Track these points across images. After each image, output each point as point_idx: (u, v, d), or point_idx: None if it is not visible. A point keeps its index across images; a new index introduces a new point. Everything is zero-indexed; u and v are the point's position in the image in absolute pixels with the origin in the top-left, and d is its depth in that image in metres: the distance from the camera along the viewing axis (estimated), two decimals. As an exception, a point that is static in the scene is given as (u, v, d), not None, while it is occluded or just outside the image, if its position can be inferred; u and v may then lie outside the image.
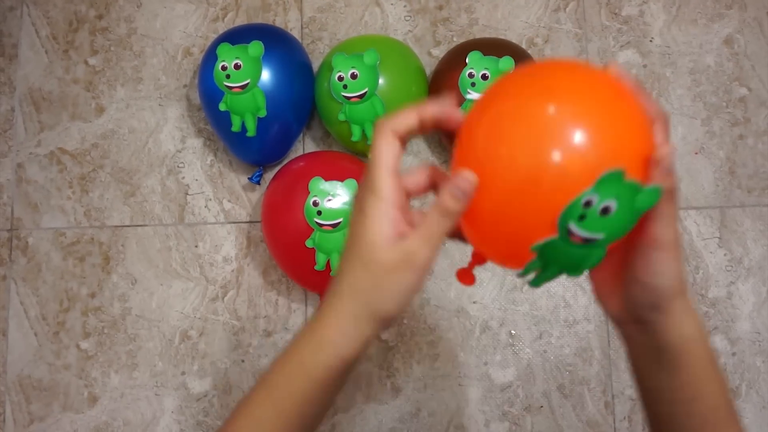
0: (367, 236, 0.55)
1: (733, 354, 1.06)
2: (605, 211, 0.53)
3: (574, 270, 0.57)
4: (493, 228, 0.56)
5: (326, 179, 1.01)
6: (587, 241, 0.55)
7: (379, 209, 0.55)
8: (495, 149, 0.54)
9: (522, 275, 0.57)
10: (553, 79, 0.55)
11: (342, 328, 0.56)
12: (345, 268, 0.57)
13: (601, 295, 0.62)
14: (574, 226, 0.54)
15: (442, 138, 1.10)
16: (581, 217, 0.53)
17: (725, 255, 1.09)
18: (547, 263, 0.57)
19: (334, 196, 1.00)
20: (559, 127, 0.52)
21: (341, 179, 1.01)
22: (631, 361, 0.64)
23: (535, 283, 0.58)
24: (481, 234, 0.58)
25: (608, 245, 0.55)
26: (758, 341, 1.07)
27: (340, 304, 0.56)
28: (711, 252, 1.09)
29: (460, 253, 1.11)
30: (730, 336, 1.07)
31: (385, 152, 0.56)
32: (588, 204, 0.53)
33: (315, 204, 1.00)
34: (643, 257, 0.57)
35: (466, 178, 0.53)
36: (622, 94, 0.55)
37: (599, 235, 0.55)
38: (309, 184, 1.00)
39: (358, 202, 0.56)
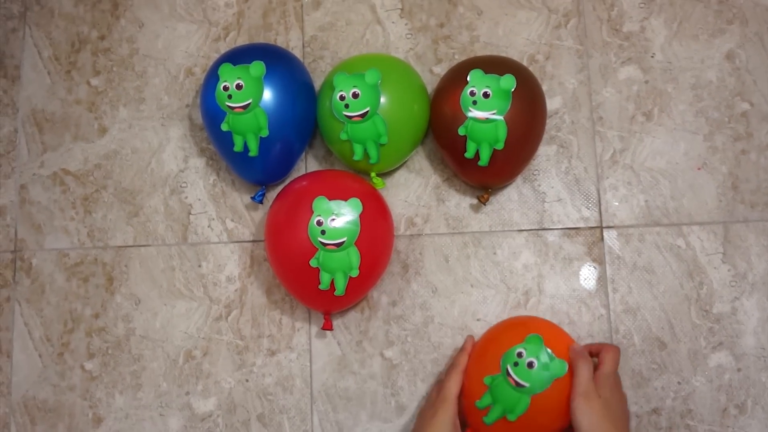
0: (443, 428, 0.94)
1: (738, 370, 1.06)
2: (530, 365, 0.92)
3: (511, 412, 0.92)
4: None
5: (330, 198, 1.01)
6: (518, 385, 0.91)
7: (449, 416, 0.95)
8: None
9: (481, 407, 0.94)
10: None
11: None
12: None
13: None
14: (510, 369, 0.92)
15: (444, 157, 1.10)
16: (515, 364, 0.92)
17: (729, 270, 1.09)
18: (494, 400, 0.93)
19: (338, 215, 1.00)
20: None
21: (345, 198, 1.01)
22: None
23: (488, 420, 0.93)
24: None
25: (532, 395, 0.91)
26: (763, 357, 1.06)
27: None
28: (715, 267, 1.09)
29: (464, 271, 1.11)
30: (735, 352, 1.07)
31: (457, 384, 0.97)
32: (520, 355, 0.93)
33: (319, 223, 1.00)
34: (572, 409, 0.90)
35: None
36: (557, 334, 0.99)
37: (526, 383, 0.91)
38: (313, 204, 1.00)
39: (431, 407, 0.97)
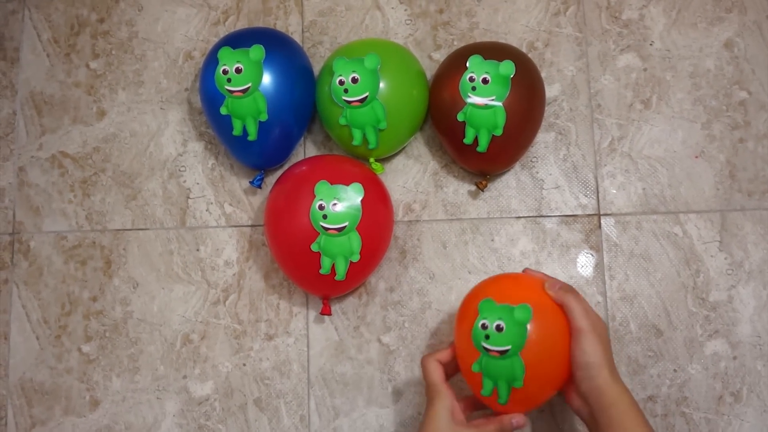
0: (437, 421, 0.89)
1: (734, 358, 1.07)
2: (498, 328, 0.87)
3: (514, 380, 0.87)
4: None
5: (332, 183, 1.01)
6: (502, 353, 0.87)
7: (443, 405, 0.90)
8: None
9: (486, 395, 0.89)
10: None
11: None
12: None
13: (570, 404, 0.91)
14: (485, 344, 0.88)
15: (443, 142, 1.10)
16: (486, 337, 0.87)
17: (726, 259, 1.09)
18: (493, 378, 0.88)
19: (340, 199, 1.00)
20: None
21: (347, 183, 1.01)
22: None
23: (502, 401, 0.89)
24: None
25: (519, 353, 0.86)
26: (759, 345, 1.07)
27: None
28: (712, 256, 1.09)
29: (462, 258, 1.11)
30: (731, 340, 1.07)
31: (434, 370, 0.93)
32: (484, 326, 0.88)
33: (321, 207, 1.00)
34: (573, 344, 0.87)
35: (519, 420, 0.89)
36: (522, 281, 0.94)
37: (507, 347, 0.86)
38: (315, 188, 1.00)
39: (428, 399, 0.92)
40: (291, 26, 1.20)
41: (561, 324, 0.88)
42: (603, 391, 0.85)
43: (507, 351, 0.86)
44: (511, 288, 0.93)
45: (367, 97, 1.04)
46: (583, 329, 0.86)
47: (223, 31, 1.21)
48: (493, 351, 0.87)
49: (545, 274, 0.96)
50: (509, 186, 1.13)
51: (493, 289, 0.92)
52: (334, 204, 1.00)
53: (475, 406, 0.96)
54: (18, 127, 1.22)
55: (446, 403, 0.90)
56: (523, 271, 0.98)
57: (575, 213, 1.12)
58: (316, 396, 1.11)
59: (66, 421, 1.14)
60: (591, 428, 0.88)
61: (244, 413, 1.12)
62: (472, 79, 1.02)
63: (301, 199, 1.01)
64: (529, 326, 0.86)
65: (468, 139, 1.03)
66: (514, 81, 1.02)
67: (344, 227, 1.00)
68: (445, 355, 0.94)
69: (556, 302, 0.89)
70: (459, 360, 0.93)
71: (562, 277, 1.10)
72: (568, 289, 0.90)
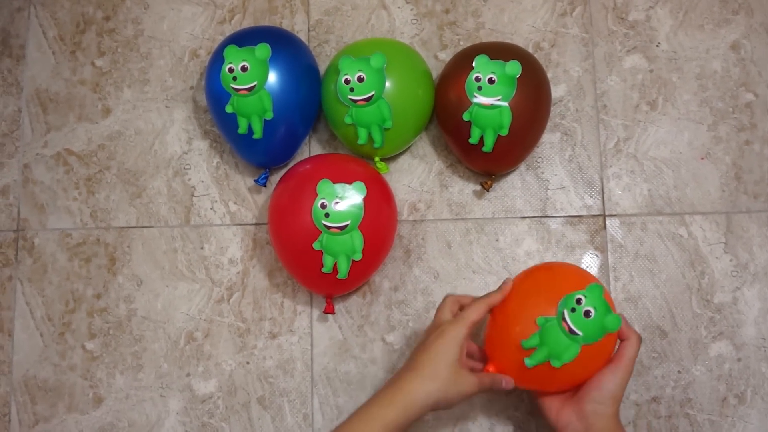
0: (445, 353, 0.87)
1: (739, 360, 1.06)
2: (587, 314, 0.87)
3: (557, 358, 0.87)
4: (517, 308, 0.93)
5: (334, 182, 1.01)
6: (572, 332, 0.87)
7: (455, 337, 0.88)
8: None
9: (527, 347, 0.88)
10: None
11: (407, 408, 0.86)
12: (419, 365, 0.88)
13: (550, 415, 0.92)
14: (566, 314, 0.88)
15: (448, 142, 1.10)
16: (573, 310, 0.88)
17: (731, 260, 1.09)
18: (542, 342, 0.88)
19: (343, 198, 1.00)
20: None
21: (349, 182, 1.01)
22: None
23: (531, 362, 0.88)
24: (506, 316, 0.93)
25: (582, 345, 0.87)
26: (764, 347, 1.07)
27: (409, 392, 0.87)
28: (717, 257, 1.09)
29: (466, 257, 1.11)
30: (736, 341, 1.07)
31: (452, 308, 0.95)
32: (579, 301, 0.88)
33: (323, 206, 1.00)
34: (611, 370, 0.88)
35: (509, 382, 0.90)
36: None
37: (580, 332, 0.87)
38: (317, 187, 1.00)
39: (438, 326, 0.91)
40: (297, 25, 1.20)
41: (609, 347, 0.91)
42: (610, 422, 0.87)
43: (577, 335, 0.89)
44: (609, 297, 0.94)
45: (372, 96, 1.04)
46: (628, 365, 0.89)
47: (229, 30, 1.21)
48: (567, 325, 0.89)
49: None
50: (514, 186, 1.13)
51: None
52: (336, 202, 1.00)
53: (469, 354, 0.97)
54: (23, 125, 1.22)
55: (459, 339, 0.88)
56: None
57: (580, 214, 1.12)
58: (320, 395, 1.11)
59: (69, 419, 1.14)
60: None
61: (247, 411, 1.11)
62: (478, 79, 1.02)
63: (303, 197, 1.01)
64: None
65: (473, 139, 1.03)
66: (520, 81, 1.02)
67: (346, 226, 1.00)
68: (472, 313, 0.91)
69: (621, 332, 0.91)
70: (509, 326, 0.93)
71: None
72: (637, 333, 0.91)
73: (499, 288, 0.93)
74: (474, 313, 0.90)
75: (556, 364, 0.87)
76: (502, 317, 0.93)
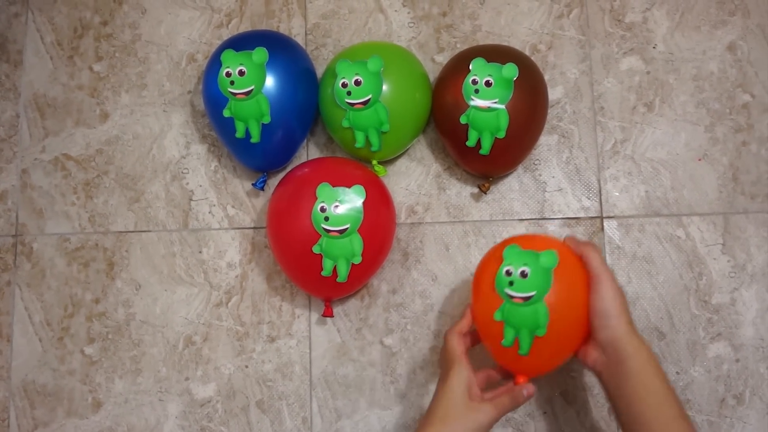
0: (451, 393, 0.88)
1: (737, 360, 1.07)
2: (523, 274, 0.88)
3: (537, 328, 0.87)
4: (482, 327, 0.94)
5: (333, 185, 1.01)
6: (526, 299, 0.87)
7: (459, 379, 0.88)
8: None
9: (507, 345, 0.89)
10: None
11: None
12: (432, 410, 0.89)
13: (584, 359, 0.90)
14: (509, 291, 0.88)
15: (446, 145, 1.10)
16: (511, 283, 0.88)
17: (729, 261, 1.09)
18: (515, 327, 0.88)
19: (342, 201, 1.00)
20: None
21: (348, 185, 1.01)
22: (607, 392, 0.89)
23: (523, 350, 0.88)
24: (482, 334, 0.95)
25: (543, 298, 0.86)
26: (762, 347, 1.07)
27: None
28: (714, 258, 1.09)
29: (464, 260, 1.11)
30: (734, 342, 1.07)
31: (457, 343, 0.91)
32: (509, 273, 0.88)
33: (322, 210, 1.00)
34: (592, 292, 0.87)
35: (530, 389, 0.89)
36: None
37: (531, 293, 0.87)
38: (316, 190, 1.00)
39: (445, 372, 0.91)
40: (294, 29, 1.20)
41: (582, 274, 0.89)
42: (621, 341, 0.85)
43: (531, 297, 0.87)
44: (535, 239, 0.93)
45: (370, 99, 1.04)
46: (602, 276, 0.87)
47: (226, 34, 1.21)
48: (517, 297, 0.88)
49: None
50: (512, 188, 1.13)
51: (517, 240, 0.93)
52: (336, 206, 1.00)
53: (490, 381, 0.95)
54: (21, 130, 1.22)
55: (463, 377, 0.89)
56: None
57: (578, 215, 1.12)
58: (319, 398, 1.11)
59: (68, 423, 1.14)
60: (606, 382, 0.87)
61: (246, 415, 1.12)
62: (475, 82, 1.02)
63: (302, 201, 1.02)
64: (553, 273, 0.88)
65: (471, 142, 1.03)
66: (517, 84, 1.02)
67: (346, 229, 1.00)
68: (464, 324, 0.93)
69: (576, 252, 0.90)
70: (478, 313, 0.93)
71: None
72: (588, 241, 0.91)
73: (463, 313, 0.96)
74: (456, 345, 0.92)
75: (540, 333, 0.87)
76: (480, 333, 0.95)
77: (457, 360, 0.90)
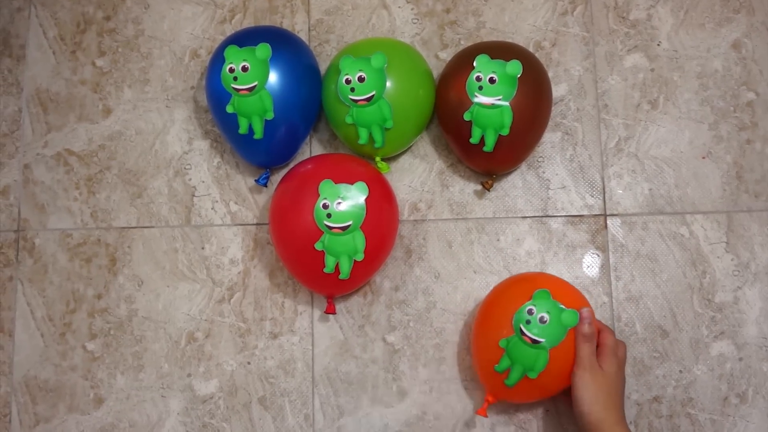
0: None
1: (740, 359, 1.06)
2: (542, 320, 0.92)
3: (531, 370, 0.92)
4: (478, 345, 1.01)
5: (336, 182, 1.01)
6: (535, 342, 0.92)
7: None
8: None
9: (500, 370, 0.94)
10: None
11: None
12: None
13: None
14: (523, 327, 0.93)
15: (449, 142, 1.10)
16: (528, 322, 0.93)
17: (732, 260, 1.09)
18: (513, 361, 0.93)
19: (345, 198, 1.00)
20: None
21: (351, 182, 1.01)
22: None
23: (510, 382, 0.94)
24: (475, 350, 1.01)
25: (550, 349, 0.92)
26: (765, 346, 1.07)
27: None
28: (718, 257, 1.09)
29: (467, 257, 1.11)
30: (737, 341, 1.07)
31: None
32: (531, 312, 0.93)
33: (325, 206, 1.00)
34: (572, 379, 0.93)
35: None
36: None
37: (542, 339, 0.92)
38: (319, 187, 1.00)
39: None
40: (297, 25, 1.20)
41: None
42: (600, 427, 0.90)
43: (540, 342, 0.93)
44: (563, 288, 1.00)
45: (373, 96, 1.03)
46: (581, 362, 0.93)
47: (229, 30, 1.20)
48: (527, 337, 0.93)
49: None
50: (515, 186, 1.13)
51: (548, 284, 0.98)
52: (338, 203, 1.00)
53: None
54: (24, 125, 1.22)
55: None
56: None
57: (581, 213, 1.11)
58: (321, 395, 1.11)
59: (70, 419, 1.14)
60: None
61: (248, 412, 1.11)
62: (478, 79, 1.02)
63: (305, 197, 1.01)
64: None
65: (474, 139, 1.03)
66: (521, 81, 1.02)
67: (348, 226, 1.00)
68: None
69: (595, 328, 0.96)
70: (480, 356, 1.00)
71: (567, 277, 1.09)
72: (589, 336, 0.94)
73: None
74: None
75: (532, 375, 0.93)
76: (474, 349, 1.01)
77: None
